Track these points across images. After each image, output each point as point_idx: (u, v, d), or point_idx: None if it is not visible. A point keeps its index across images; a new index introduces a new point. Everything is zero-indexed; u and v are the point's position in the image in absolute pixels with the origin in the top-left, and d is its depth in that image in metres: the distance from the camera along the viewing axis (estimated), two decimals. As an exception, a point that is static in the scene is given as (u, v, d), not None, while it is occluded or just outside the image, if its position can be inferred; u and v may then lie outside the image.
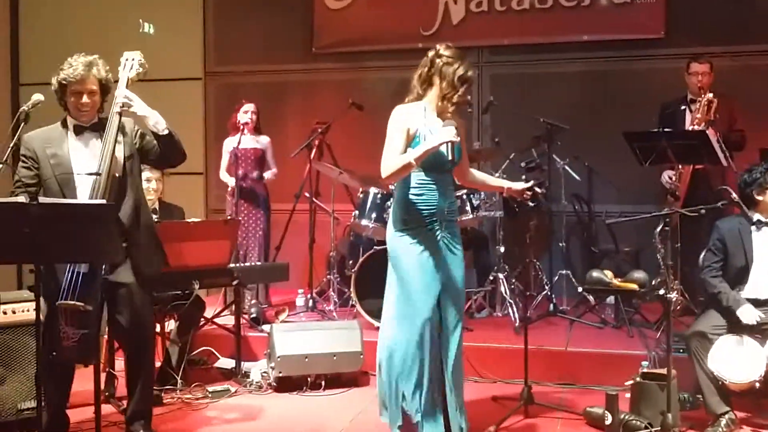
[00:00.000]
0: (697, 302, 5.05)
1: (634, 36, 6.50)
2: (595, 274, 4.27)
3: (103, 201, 3.28)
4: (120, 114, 3.54)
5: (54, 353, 3.32)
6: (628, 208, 6.20)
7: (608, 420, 3.81)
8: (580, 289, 5.65)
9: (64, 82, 3.57)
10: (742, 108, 5.50)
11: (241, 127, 5.76)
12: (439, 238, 3.49)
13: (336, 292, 5.87)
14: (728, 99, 5.32)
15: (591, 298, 5.66)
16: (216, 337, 5.17)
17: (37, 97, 3.50)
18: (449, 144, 3.35)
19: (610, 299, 5.47)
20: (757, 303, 3.97)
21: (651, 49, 6.49)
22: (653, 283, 4.23)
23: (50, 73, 3.61)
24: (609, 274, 4.34)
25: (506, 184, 3.89)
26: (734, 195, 4.00)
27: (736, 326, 3.90)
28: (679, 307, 5.19)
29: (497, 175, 5.63)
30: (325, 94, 7.18)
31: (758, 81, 6.14)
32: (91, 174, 3.47)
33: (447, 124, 3.39)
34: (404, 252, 3.48)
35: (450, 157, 3.40)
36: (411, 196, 3.49)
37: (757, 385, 3.80)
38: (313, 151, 6.08)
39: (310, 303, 5.82)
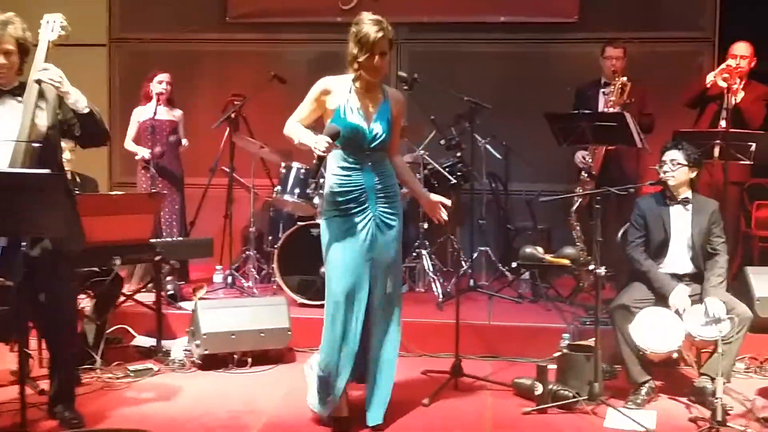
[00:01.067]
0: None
1: (549, 19, 6.67)
2: (528, 249, 4.38)
3: (49, 171, 3.05)
4: (39, 82, 3.32)
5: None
6: (542, 186, 6.38)
7: (538, 390, 3.91)
8: (499, 266, 5.78)
9: None
10: (651, 92, 5.75)
11: (155, 97, 5.53)
12: (370, 217, 3.48)
13: (255, 269, 5.75)
14: (639, 83, 5.54)
15: (508, 274, 5.81)
16: (132, 315, 4.95)
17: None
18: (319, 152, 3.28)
19: (526, 275, 5.63)
20: (674, 277, 4.18)
21: (566, 33, 6.67)
22: (581, 259, 4.37)
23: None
24: (540, 249, 4.45)
25: (424, 195, 3.81)
26: (661, 175, 4.15)
27: (660, 300, 4.08)
28: (590, 281, 5.40)
29: (421, 153, 5.67)
30: (240, 65, 6.99)
31: (665, 67, 6.43)
32: (8, 141, 3.22)
33: (328, 131, 3.36)
34: (329, 234, 3.52)
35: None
36: (337, 178, 3.49)
37: (675, 355, 4.00)
38: (229, 124, 5.92)
39: (229, 279, 5.67)
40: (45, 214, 2.89)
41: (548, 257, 4.35)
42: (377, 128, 3.46)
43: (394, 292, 3.62)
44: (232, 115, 5.89)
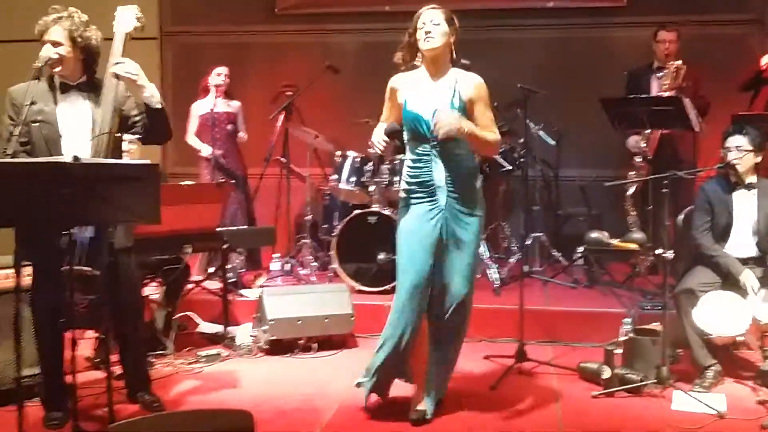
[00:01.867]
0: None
1: (597, 3, 6.64)
2: (595, 234, 4.41)
3: (147, 161, 3.15)
4: (116, 77, 3.39)
5: (62, 320, 3.18)
6: (593, 172, 6.38)
7: (606, 374, 3.95)
8: (553, 251, 5.82)
9: (36, 33, 3.40)
10: (705, 75, 5.72)
11: (213, 89, 5.62)
12: (440, 211, 3.43)
13: (312, 256, 5.84)
14: (692, 66, 5.51)
15: (562, 259, 5.83)
16: (196, 302, 5.07)
17: (47, 52, 3.32)
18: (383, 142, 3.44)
19: (580, 261, 5.65)
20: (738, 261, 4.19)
21: (614, 17, 6.64)
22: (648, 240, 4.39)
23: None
24: (606, 234, 4.48)
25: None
26: (727, 160, 4.15)
27: (728, 284, 4.08)
28: (645, 267, 5.42)
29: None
30: (289, 56, 7.05)
31: (715, 50, 6.38)
32: (102, 134, 3.32)
33: (387, 129, 3.48)
34: (401, 225, 3.54)
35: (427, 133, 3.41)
36: (408, 168, 3.52)
37: (741, 338, 4.02)
38: (282, 114, 6.00)
39: (287, 267, 5.77)
40: (142, 202, 2.98)
41: (615, 242, 4.37)
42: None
43: (466, 294, 3.54)
44: (286, 106, 5.97)
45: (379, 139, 3.46)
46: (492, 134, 3.50)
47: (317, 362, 4.50)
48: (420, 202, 3.46)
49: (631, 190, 5.35)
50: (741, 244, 4.23)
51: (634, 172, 5.52)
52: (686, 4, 6.51)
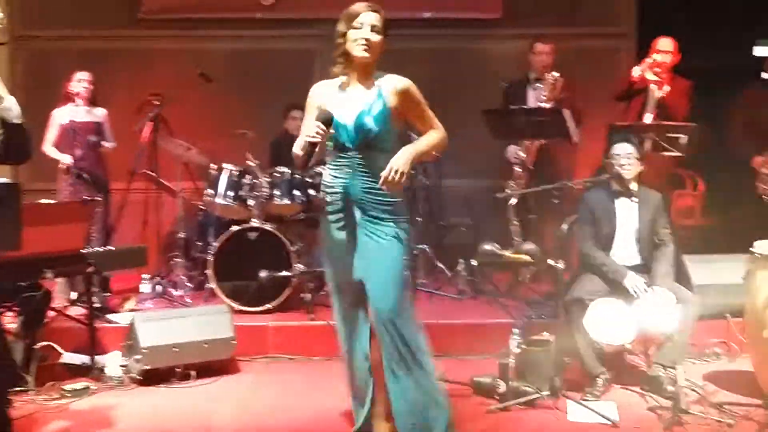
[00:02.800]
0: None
1: (473, 15, 6.67)
2: (487, 246, 4.32)
3: (5, 180, 2.74)
4: None
5: None
6: (475, 182, 6.41)
7: (501, 388, 3.88)
8: (437, 263, 5.74)
9: None
10: (578, 87, 5.84)
11: (75, 96, 5.17)
12: (359, 221, 3.11)
13: (185, 276, 5.47)
14: (567, 78, 5.61)
15: (446, 270, 5.77)
16: (57, 331, 4.59)
17: None
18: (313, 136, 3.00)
19: (464, 272, 5.60)
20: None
21: (490, 29, 6.70)
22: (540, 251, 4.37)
23: None
24: (498, 246, 4.42)
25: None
26: (617, 168, 4.19)
27: (615, 291, 4.12)
28: (529, 276, 5.45)
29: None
30: (157, 63, 6.63)
31: (586, 63, 6.55)
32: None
33: (319, 116, 3.03)
34: (322, 238, 3.27)
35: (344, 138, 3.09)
36: (326, 177, 3.20)
37: (628, 346, 4.06)
38: (149, 125, 5.63)
39: (158, 289, 5.37)
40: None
41: (508, 253, 4.33)
42: (365, 122, 3.09)
43: (396, 310, 3.11)
44: (153, 116, 5.60)
45: (314, 125, 3.00)
46: (435, 133, 3.22)
47: (198, 391, 4.16)
48: (339, 215, 3.16)
49: (513, 200, 5.36)
50: (624, 252, 4.29)
51: (513, 182, 5.57)
52: (560, 17, 6.66)
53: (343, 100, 3.13)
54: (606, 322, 4.00)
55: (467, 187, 6.47)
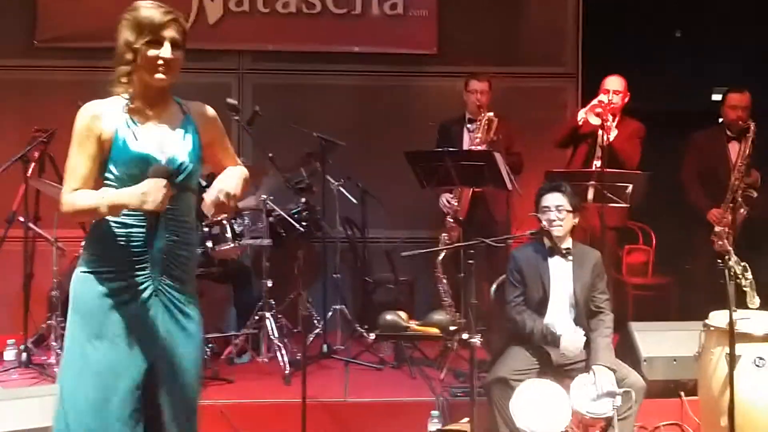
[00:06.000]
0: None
1: (406, 50, 6.10)
2: (389, 316, 3.67)
3: None
4: None
5: None
6: (404, 233, 5.75)
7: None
8: (357, 326, 5.05)
9: None
10: (517, 130, 5.28)
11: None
12: (148, 294, 2.37)
13: (60, 340, 4.69)
14: (505, 120, 5.06)
15: (367, 334, 5.07)
16: None
17: None
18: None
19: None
20: (556, 342, 3.60)
21: (425, 65, 6.12)
22: (454, 324, 3.70)
23: None
24: (404, 315, 3.75)
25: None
26: (544, 223, 3.57)
27: (544, 368, 3.48)
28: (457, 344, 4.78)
29: (265, 197, 4.85)
30: (49, 95, 5.91)
31: (529, 103, 6.01)
32: None
33: (153, 172, 2.31)
34: (81, 301, 2.39)
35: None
36: (111, 224, 2.37)
37: (563, 434, 3.40)
38: (32, 165, 4.90)
39: (24, 357, 4.58)
40: None
41: (414, 324, 3.67)
42: (180, 156, 2.41)
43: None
44: (35, 154, 4.88)
45: (158, 187, 2.28)
46: (241, 167, 2.61)
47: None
48: (120, 283, 2.36)
49: (442, 255, 4.73)
50: (558, 320, 3.67)
51: (446, 234, 4.95)
52: (500, 54, 6.12)
53: (141, 131, 2.40)
54: (536, 407, 3.35)
55: (399, 238, 5.79)
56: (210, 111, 2.56)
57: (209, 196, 2.38)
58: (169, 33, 2.36)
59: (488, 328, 4.38)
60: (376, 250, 5.75)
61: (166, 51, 2.34)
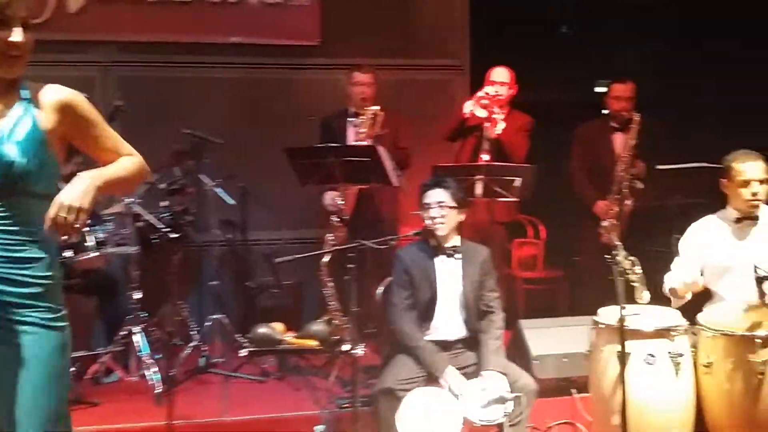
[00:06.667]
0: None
1: (288, 41, 5.80)
2: (262, 329, 3.35)
3: None
4: None
5: None
6: (288, 234, 5.46)
7: None
8: (237, 336, 4.71)
9: None
10: (405, 124, 5.08)
11: None
12: None
13: None
14: (392, 114, 4.83)
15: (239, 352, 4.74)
16: None
17: None
18: None
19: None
20: (445, 345, 3.42)
21: (308, 57, 5.84)
22: (334, 333, 3.42)
23: None
24: (279, 327, 3.45)
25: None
26: (427, 221, 3.36)
27: (431, 374, 3.28)
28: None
29: (131, 200, 4.43)
30: None
31: (417, 96, 5.82)
32: None
33: None
34: None
35: None
36: None
37: (453, 445, 3.19)
38: None
39: None
40: None
41: (289, 337, 3.39)
42: (4, 153, 1.98)
43: None
44: None
45: None
46: (128, 159, 2.18)
47: None
48: None
49: (327, 257, 4.45)
50: (448, 323, 3.47)
51: (332, 235, 4.68)
52: (386, 46, 5.90)
53: None
54: (424, 418, 3.14)
55: (282, 239, 5.48)
56: (60, 95, 2.10)
57: (49, 212, 1.98)
58: (16, 11, 1.97)
59: (379, 334, 4.17)
60: (260, 253, 5.43)
61: (16, 35, 1.96)
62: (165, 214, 4.57)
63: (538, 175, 4.33)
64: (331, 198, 4.75)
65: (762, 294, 3.16)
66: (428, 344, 3.34)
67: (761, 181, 3.42)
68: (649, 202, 4.82)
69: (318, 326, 3.38)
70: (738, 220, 3.51)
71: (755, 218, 3.48)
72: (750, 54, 5.91)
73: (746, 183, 3.42)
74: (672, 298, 3.46)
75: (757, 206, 3.46)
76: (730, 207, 3.55)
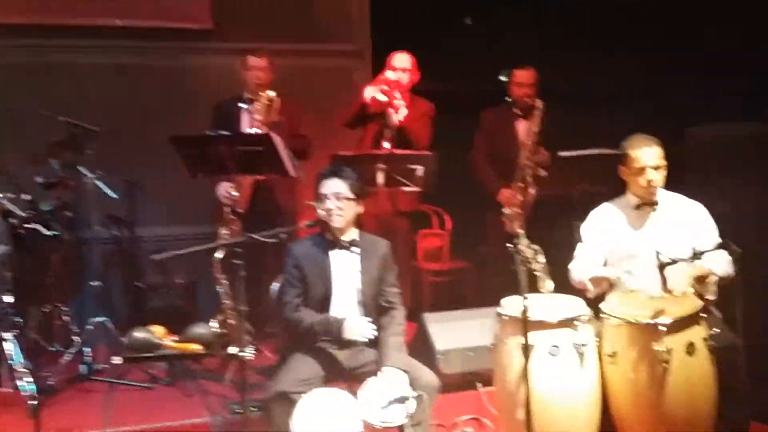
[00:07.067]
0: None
1: (178, 24, 5.48)
2: (139, 334, 3.06)
3: None
4: None
5: None
6: (180, 229, 5.14)
7: None
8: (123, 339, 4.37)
9: None
10: (304, 111, 4.85)
11: None
12: None
13: None
14: (289, 100, 4.60)
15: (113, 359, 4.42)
16: None
17: None
18: None
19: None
20: (343, 344, 3.21)
21: (200, 42, 5.53)
22: (219, 334, 3.17)
23: None
24: (159, 330, 3.15)
25: None
26: (322, 213, 3.14)
27: (331, 375, 3.11)
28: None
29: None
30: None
31: (317, 83, 5.60)
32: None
33: None
34: None
35: None
36: None
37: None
38: None
39: None
40: None
41: (170, 341, 3.10)
42: None
43: None
44: None
45: None
46: None
47: None
48: None
49: (221, 253, 4.18)
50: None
51: (226, 229, 4.42)
52: (284, 31, 5.67)
53: None
54: (321, 422, 2.93)
55: (172, 235, 5.16)
56: None
57: None
58: None
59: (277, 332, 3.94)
60: (149, 250, 5.08)
61: None
62: (44, 211, 4.21)
63: (442, 164, 4.18)
64: (225, 190, 4.48)
65: (665, 280, 3.09)
66: (321, 315, 3.17)
67: (656, 168, 3.36)
68: (553, 190, 4.74)
69: (201, 329, 3.11)
70: (637, 207, 3.45)
71: (654, 203, 3.42)
72: (652, 37, 5.88)
73: (642, 170, 3.36)
74: (590, 288, 3.35)
75: (654, 192, 3.40)
76: (629, 193, 3.49)
